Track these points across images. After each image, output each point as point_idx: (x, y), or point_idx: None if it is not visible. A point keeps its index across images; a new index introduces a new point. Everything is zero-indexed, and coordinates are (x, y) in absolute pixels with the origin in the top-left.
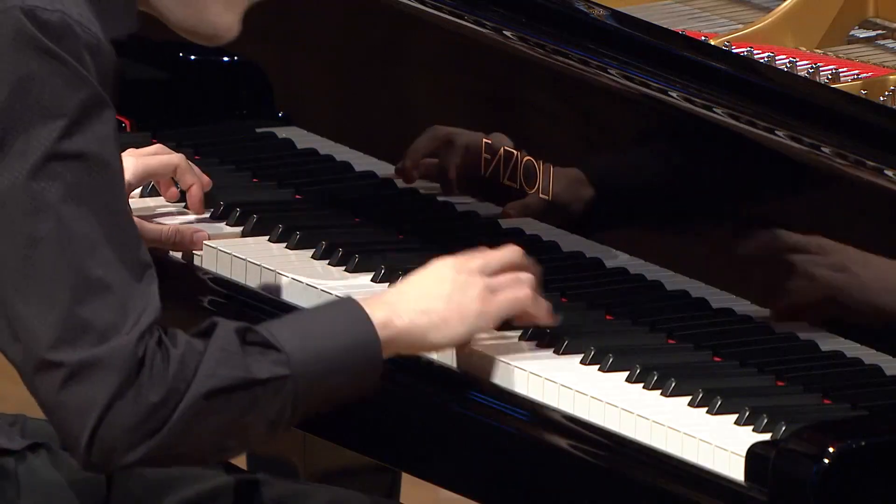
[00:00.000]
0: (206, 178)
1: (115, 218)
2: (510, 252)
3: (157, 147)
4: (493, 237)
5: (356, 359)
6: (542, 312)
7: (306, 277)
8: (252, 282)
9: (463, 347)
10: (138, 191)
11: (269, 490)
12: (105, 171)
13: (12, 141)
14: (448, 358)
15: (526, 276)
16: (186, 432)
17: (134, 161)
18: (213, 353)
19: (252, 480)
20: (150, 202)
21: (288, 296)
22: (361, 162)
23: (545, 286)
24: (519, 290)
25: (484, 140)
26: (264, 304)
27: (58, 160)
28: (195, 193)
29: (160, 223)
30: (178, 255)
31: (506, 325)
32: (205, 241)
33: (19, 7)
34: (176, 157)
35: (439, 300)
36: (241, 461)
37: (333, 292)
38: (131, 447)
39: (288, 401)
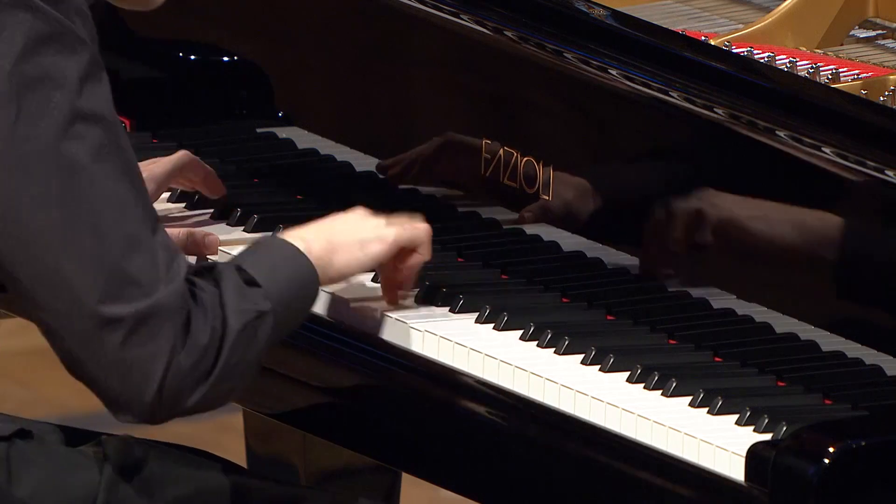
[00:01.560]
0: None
1: (133, 174)
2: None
3: (160, 159)
4: (493, 237)
5: (306, 286)
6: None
7: None
8: None
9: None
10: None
11: (265, 491)
12: (117, 129)
13: (27, 105)
14: (447, 356)
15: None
16: (233, 368)
17: (148, 171)
18: (231, 291)
19: (249, 481)
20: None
21: None
22: (361, 162)
23: (546, 286)
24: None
25: (484, 140)
26: None
27: (81, 121)
28: (212, 180)
29: (171, 226)
30: (192, 258)
31: (505, 325)
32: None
33: None
34: (183, 153)
35: (340, 230)
36: (241, 459)
37: (335, 292)
38: (192, 391)
39: (270, 332)
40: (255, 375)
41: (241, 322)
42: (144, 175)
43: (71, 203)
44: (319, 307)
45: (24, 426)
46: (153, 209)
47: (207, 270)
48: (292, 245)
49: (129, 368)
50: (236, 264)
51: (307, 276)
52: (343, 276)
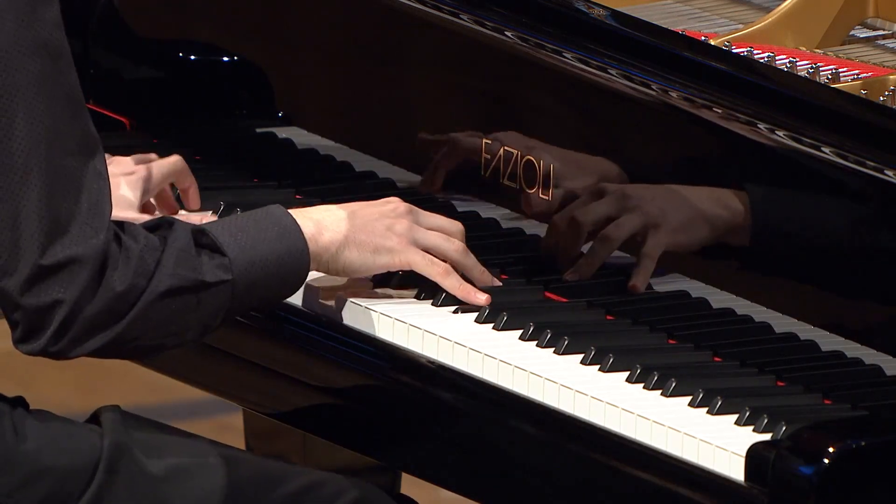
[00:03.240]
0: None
1: (75, 105)
2: (453, 223)
3: (150, 155)
4: (493, 237)
5: (287, 268)
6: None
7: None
8: None
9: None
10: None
11: (255, 465)
12: (62, 57)
13: None
14: (447, 356)
15: (456, 244)
16: (140, 326)
17: (146, 168)
18: (172, 252)
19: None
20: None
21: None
22: (361, 162)
23: (545, 286)
24: (444, 244)
25: (484, 140)
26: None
27: (20, 51)
28: (194, 193)
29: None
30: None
31: (505, 325)
32: None
33: None
34: (178, 158)
35: (361, 226)
36: None
37: (336, 293)
38: (91, 337)
39: (224, 305)
40: (199, 338)
41: (168, 285)
42: (143, 173)
43: (5, 129)
44: (316, 306)
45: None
46: (93, 132)
47: (164, 226)
48: (293, 221)
49: (32, 309)
50: (201, 228)
51: (294, 257)
52: (348, 273)
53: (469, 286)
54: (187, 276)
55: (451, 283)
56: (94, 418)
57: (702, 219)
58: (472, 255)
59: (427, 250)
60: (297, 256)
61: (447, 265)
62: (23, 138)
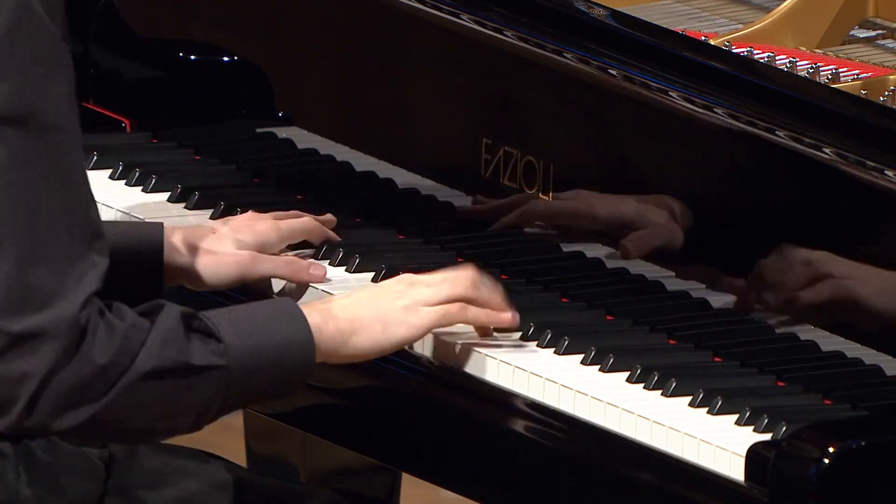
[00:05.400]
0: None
1: (65, 183)
2: (457, 271)
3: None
4: (492, 237)
5: (290, 359)
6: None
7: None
8: None
9: (464, 350)
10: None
11: (266, 489)
12: (55, 133)
13: None
14: (449, 356)
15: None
16: (119, 408)
17: (277, 224)
18: (159, 334)
19: (250, 477)
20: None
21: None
22: (361, 162)
23: (546, 286)
24: (452, 293)
25: (484, 140)
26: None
27: (4, 123)
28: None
29: (274, 253)
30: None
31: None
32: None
33: None
34: (310, 222)
35: (366, 307)
36: (241, 459)
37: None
38: (63, 416)
39: (219, 392)
40: (195, 425)
41: (151, 365)
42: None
43: None
44: None
45: None
46: (92, 224)
47: (156, 309)
48: (298, 310)
49: (3, 380)
50: (193, 312)
51: (296, 345)
52: (360, 357)
53: (493, 311)
54: (174, 357)
55: (475, 316)
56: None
57: (701, 218)
58: (483, 287)
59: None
60: (301, 346)
61: (459, 304)
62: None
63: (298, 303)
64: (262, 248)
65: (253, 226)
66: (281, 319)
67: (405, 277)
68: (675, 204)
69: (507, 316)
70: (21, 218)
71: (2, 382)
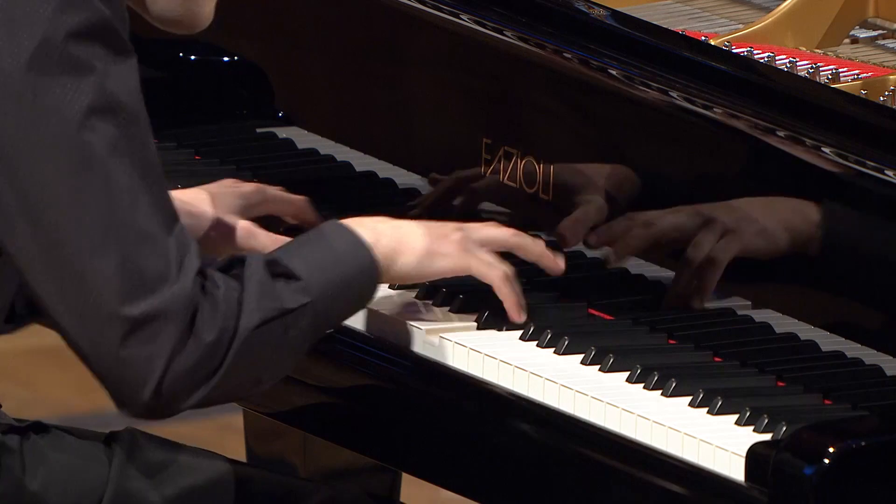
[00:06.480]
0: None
1: (152, 170)
2: (502, 228)
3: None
4: None
5: (359, 280)
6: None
7: None
8: None
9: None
10: None
11: (267, 484)
12: (138, 123)
13: (44, 93)
14: (448, 355)
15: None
16: (239, 368)
17: (263, 186)
18: (252, 288)
19: (252, 473)
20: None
21: None
22: (361, 162)
23: (545, 288)
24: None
25: (484, 140)
26: None
27: (99, 113)
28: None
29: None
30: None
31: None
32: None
33: None
34: (300, 201)
35: (417, 232)
36: (241, 456)
37: None
38: (193, 391)
39: (310, 327)
40: (292, 365)
41: (257, 320)
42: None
43: (84, 197)
44: None
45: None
46: (170, 205)
47: (236, 264)
48: (355, 235)
49: (126, 368)
50: (271, 258)
51: (366, 269)
52: (403, 280)
53: (520, 299)
54: (271, 306)
55: (507, 291)
56: (107, 438)
57: (701, 218)
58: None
59: (485, 244)
60: (366, 266)
61: (506, 270)
62: (100, 197)
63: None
64: (248, 209)
65: (238, 187)
66: (342, 245)
67: (455, 223)
68: (673, 203)
69: (523, 317)
70: (125, 206)
71: (128, 367)
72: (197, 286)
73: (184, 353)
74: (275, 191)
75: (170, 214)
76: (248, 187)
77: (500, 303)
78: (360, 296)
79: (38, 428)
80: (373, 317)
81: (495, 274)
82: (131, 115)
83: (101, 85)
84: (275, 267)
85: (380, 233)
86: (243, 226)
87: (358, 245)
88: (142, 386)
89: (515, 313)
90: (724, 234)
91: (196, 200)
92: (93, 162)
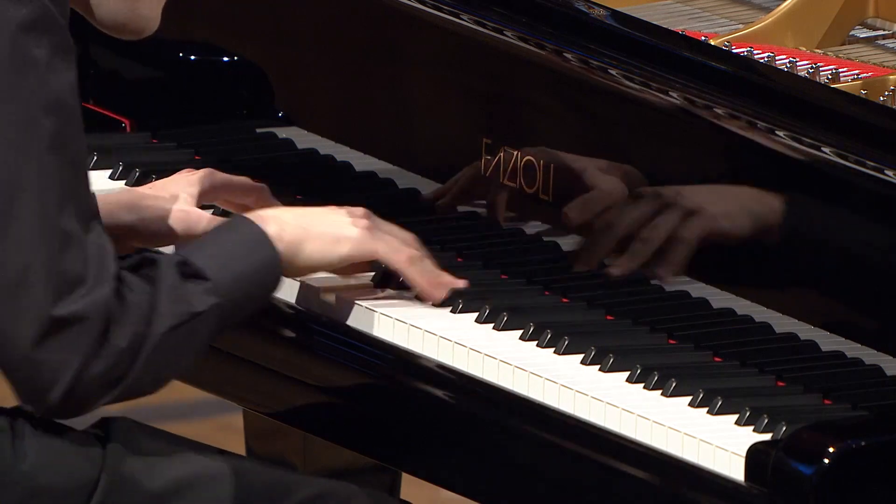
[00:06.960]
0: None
1: (79, 170)
2: (406, 232)
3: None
4: (492, 237)
5: (265, 278)
6: (421, 281)
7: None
8: None
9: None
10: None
11: (261, 475)
12: (74, 120)
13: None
14: (447, 356)
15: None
16: (148, 370)
17: (213, 171)
18: (164, 292)
19: (246, 465)
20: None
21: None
22: (361, 162)
23: (545, 287)
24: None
25: (484, 140)
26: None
27: (40, 109)
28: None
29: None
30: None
31: (505, 325)
32: None
33: None
34: (258, 188)
35: (321, 220)
36: (240, 450)
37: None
38: (102, 395)
39: (216, 325)
40: (193, 363)
41: (168, 325)
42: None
43: (13, 191)
44: (316, 306)
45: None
46: (92, 203)
47: (147, 264)
48: (260, 230)
49: (36, 369)
50: (183, 259)
51: (269, 264)
52: (309, 269)
53: (434, 277)
54: (182, 310)
55: (414, 273)
56: (101, 424)
57: (700, 217)
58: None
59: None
60: (269, 261)
61: (412, 253)
62: (30, 192)
63: None
64: (201, 196)
65: (189, 175)
66: (248, 242)
67: (361, 208)
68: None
69: (442, 295)
70: (54, 203)
71: (39, 369)
72: (113, 291)
73: (96, 360)
74: (224, 176)
75: (95, 214)
76: (198, 174)
77: (498, 303)
78: (265, 289)
79: (26, 411)
80: (373, 316)
81: (400, 258)
82: (69, 112)
83: (44, 82)
84: (185, 268)
85: (284, 223)
86: (191, 213)
87: (261, 239)
88: (49, 390)
89: (429, 295)
90: (722, 233)
91: (154, 190)
92: (28, 157)
